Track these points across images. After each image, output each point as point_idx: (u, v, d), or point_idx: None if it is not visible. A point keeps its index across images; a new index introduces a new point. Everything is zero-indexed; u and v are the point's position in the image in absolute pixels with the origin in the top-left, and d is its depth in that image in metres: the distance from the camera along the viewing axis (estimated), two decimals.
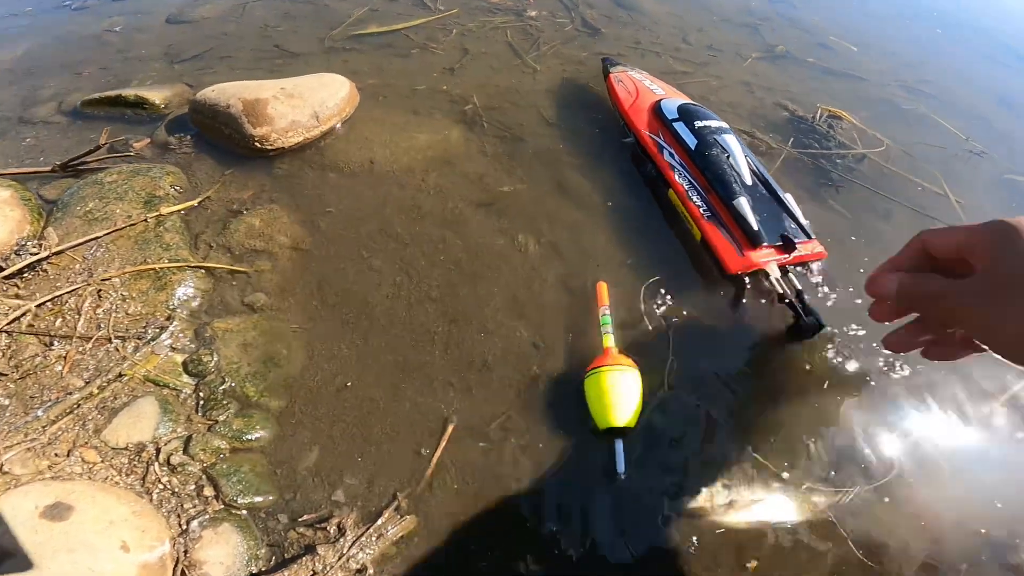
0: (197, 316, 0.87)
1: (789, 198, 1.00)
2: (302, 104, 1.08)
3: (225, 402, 0.78)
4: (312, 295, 0.90)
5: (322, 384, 0.79)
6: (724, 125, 1.09)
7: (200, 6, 1.76)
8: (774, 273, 0.90)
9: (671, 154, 1.06)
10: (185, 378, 0.80)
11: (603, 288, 0.88)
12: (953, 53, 2.00)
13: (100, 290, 0.90)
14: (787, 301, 0.88)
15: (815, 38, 1.87)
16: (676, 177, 1.03)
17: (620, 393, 0.71)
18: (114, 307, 0.87)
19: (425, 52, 1.46)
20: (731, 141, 1.04)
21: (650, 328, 0.86)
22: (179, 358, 0.82)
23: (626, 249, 0.98)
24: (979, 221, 0.42)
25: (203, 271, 0.94)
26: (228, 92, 1.09)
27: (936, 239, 0.49)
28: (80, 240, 0.97)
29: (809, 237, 0.94)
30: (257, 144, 1.06)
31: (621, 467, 0.69)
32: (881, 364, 0.84)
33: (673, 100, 1.17)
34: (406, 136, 1.15)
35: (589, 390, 0.74)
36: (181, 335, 0.84)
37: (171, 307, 0.88)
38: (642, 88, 1.24)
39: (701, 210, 0.97)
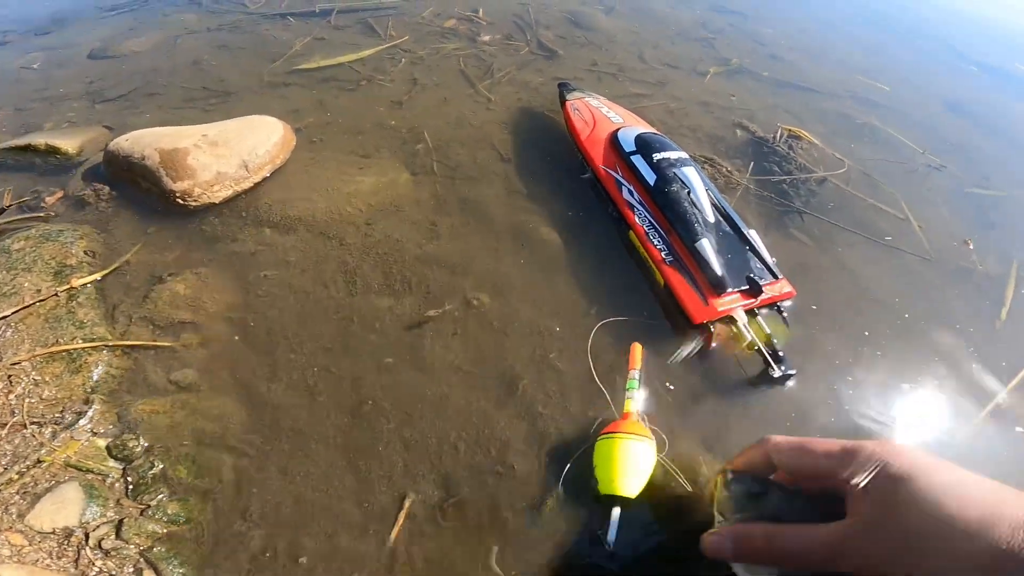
0: (119, 397, 0.78)
1: (754, 235, 0.94)
2: (228, 153, 0.98)
3: (157, 486, 0.70)
4: (248, 369, 0.81)
5: (262, 465, 0.71)
6: (684, 155, 1.03)
7: (127, 40, 1.64)
8: (741, 319, 0.84)
9: (630, 191, 1.00)
10: (111, 462, 0.72)
11: (636, 350, 0.80)
12: (901, 59, 2.02)
13: (11, 375, 0.80)
14: (756, 348, 0.83)
15: (767, 49, 1.87)
16: (636, 218, 0.96)
17: (631, 462, 0.66)
18: (27, 392, 0.79)
19: (372, 84, 1.37)
20: (691, 174, 0.97)
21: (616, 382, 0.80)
22: (102, 442, 0.74)
23: (590, 297, 0.92)
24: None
25: (122, 349, 0.84)
26: (143, 141, 0.98)
27: (787, 457, 0.47)
28: None
29: (776, 277, 0.89)
30: (179, 200, 0.95)
31: (612, 536, 0.63)
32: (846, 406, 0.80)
33: (631, 129, 1.10)
34: (349, 181, 1.05)
35: (599, 452, 0.69)
36: (102, 419, 0.76)
37: (88, 390, 0.79)
38: (599, 116, 1.18)
39: (663, 254, 0.91)
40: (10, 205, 0.99)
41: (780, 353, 0.82)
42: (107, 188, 1.03)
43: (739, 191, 1.18)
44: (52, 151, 1.10)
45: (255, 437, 0.74)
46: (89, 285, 0.92)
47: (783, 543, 0.45)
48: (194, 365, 0.81)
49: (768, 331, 0.85)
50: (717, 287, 0.85)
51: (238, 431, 0.75)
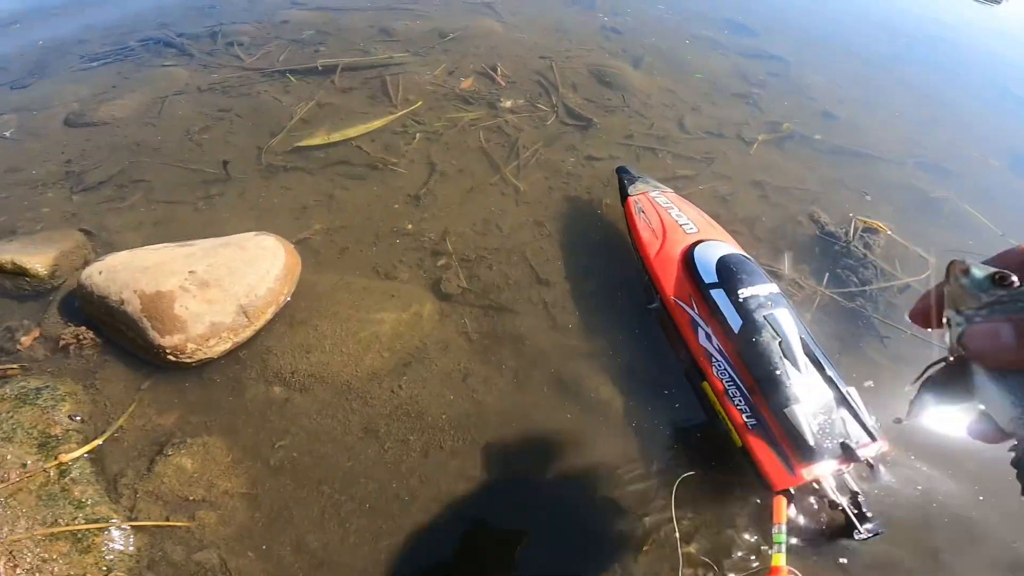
0: (138, 575, 0.71)
1: (853, 393, 0.79)
2: (222, 297, 0.82)
3: None
4: (271, 548, 0.70)
5: None
6: (775, 291, 0.87)
7: (107, 102, 1.47)
8: (828, 484, 0.75)
9: (707, 336, 0.85)
10: None
11: (780, 503, 0.71)
12: (960, 106, 1.87)
13: (12, 551, 0.72)
14: (840, 508, 0.74)
15: (816, 104, 1.71)
16: (714, 370, 0.82)
17: None
18: (35, 567, 0.71)
19: (384, 171, 1.21)
20: (784, 319, 0.83)
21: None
22: None
23: (647, 458, 0.77)
24: None
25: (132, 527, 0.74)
26: (120, 278, 0.82)
27: None
28: None
29: (873, 439, 0.76)
30: (171, 357, 0.80)
31: None
32: None
33: (710, 248, 0.93)
34: (368, 319, 0.90)
35: None
36: None
37: (104, 569, 0.72)
38: (669, 223, 1.01)
39: (744, 416, 0.78)
40: None
41: (868, 513, 0.73)
42: (88, 332, 0.87)
43: (814, 304, 1.03)
44: (19, 271, 0.94)
45: None
46: (80, 459, 0.78)
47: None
48: (216, 546, 0.72)
49: (855, 489, 0.74)
50: (807, 456, 0.73)
51: None
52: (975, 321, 0.35)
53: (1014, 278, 0.36)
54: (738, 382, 0.80)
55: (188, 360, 0.80)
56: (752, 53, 1.95)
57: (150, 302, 0.80)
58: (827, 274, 1.09)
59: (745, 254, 0.96)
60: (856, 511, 0.73)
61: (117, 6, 2.07)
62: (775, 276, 1.07)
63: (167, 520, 0.73)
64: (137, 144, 1.31)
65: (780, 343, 0.80)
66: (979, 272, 0.36)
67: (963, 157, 1.56)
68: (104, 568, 0.71)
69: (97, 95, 1.52)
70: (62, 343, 0.86)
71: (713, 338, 0.84)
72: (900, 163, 1.48)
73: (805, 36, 2.20)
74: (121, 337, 0.85)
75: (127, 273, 0.83)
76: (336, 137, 1.30)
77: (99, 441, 0.78)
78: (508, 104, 1.45)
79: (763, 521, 0.74)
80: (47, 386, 0.82)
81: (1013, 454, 0.33)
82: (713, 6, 2.31)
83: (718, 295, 0.86)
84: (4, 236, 1.07)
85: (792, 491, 0.74)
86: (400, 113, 1.40)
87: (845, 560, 0.73)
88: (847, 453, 0.75)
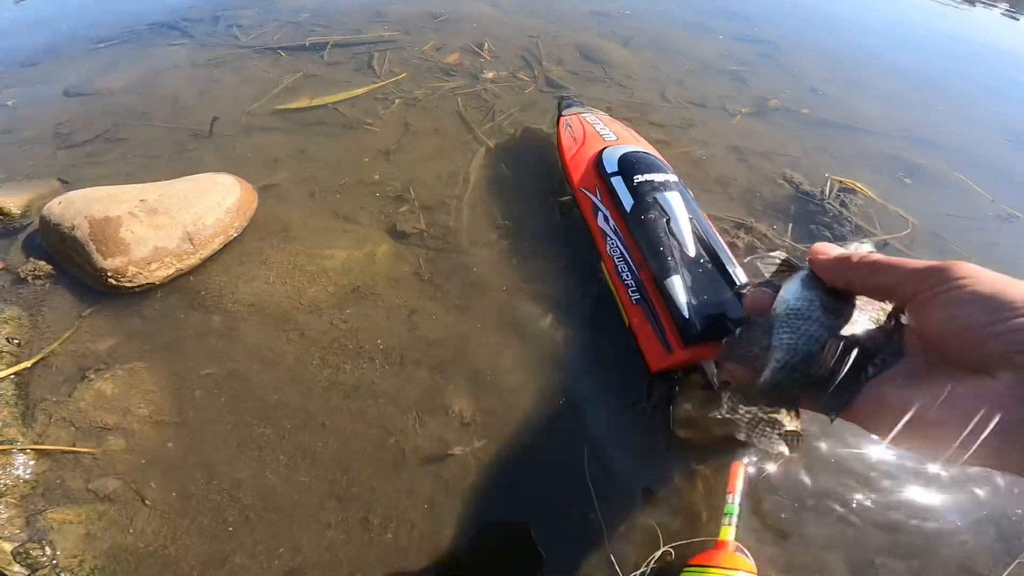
0: (31, 502, 0.69)
1: (741, 273, 0.77)
2: (168, 223, 0.82)
3: None
4: (180, 479, 0.68)
5: None
6: (671, 179, 0.90)
7: (105, 75, 1.52)
8: (710, 370, 0.71)
9: (606, 218, 0.88)
10: (16, 568, 0.66)
11: (737, 471, 0.66)
12: (952, 88, 1.83)
13: None
14: (724, 402, 0.66)
15: (804, 82, 1.68)
16: (607, 248, 0.85)
17: None
18: None
19: (359, 131, 1.22)
20: (675, 201, 0.84)
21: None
22: (8, 546, 0.67)
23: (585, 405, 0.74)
24: None
25: (37, 452, 0.72)
26: (75, 207, 0.83)
27: (856, 274, 0.41)
28: None
29: None
30: (112, 280, 0.80)
31: None
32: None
33: (619, 148, 0.97)
34: (319, 254, 0.89)
35: None
36: (8, 523, 0.68)
37: None
38: (591, 133, 1.05)
39: (630, 291, 0.79)
40: None
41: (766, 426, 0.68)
42: (44, 262, 0.88)
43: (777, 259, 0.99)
44: None
45: (182, 558, 0.62)
46: (6, 380, 0.78)
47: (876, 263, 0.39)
48: (117, 474, 0.70)
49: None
50: (684, 333, 0.71)
51: (160, 549, 0.63)
52: None
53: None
54: (627, 258, 0.82)
55: (129, 284, 0.81)
56: (744, 37, 1.94)
57: (98, 227, 0.81)
58: (793, 225, 1.06)
59: (655, 154, 0.99)
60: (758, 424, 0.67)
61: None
62: (746, 230, 1.04)
63: (73, 446, 0.72)
64: (126, 110, 1.35)
65: (667, 221, 0.81)
66: (865, 247, 0.45)
67: (956, 134, 1.52)
68: None
69: (98, 71, 1.58)
70: (18, 274, 0.88)
71: (610, 219, 0.87)
72: (888, 136, 1.44)
73: (800, 25, 2.19)
74: (71, 264, 0.86)
75: (83, 203, 0.84)
76: (318, 102, 1.33)
77: (27, 364, 0.78)
78: (490, 75, 1.46)
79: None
80: None
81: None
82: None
83: (616, 181, 0.90)
84: None
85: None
86: (383, 82, 1.42)
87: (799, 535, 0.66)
88: (727, 331, 0.67)
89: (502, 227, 0.99)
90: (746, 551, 0.60)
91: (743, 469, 0.67)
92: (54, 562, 0.66)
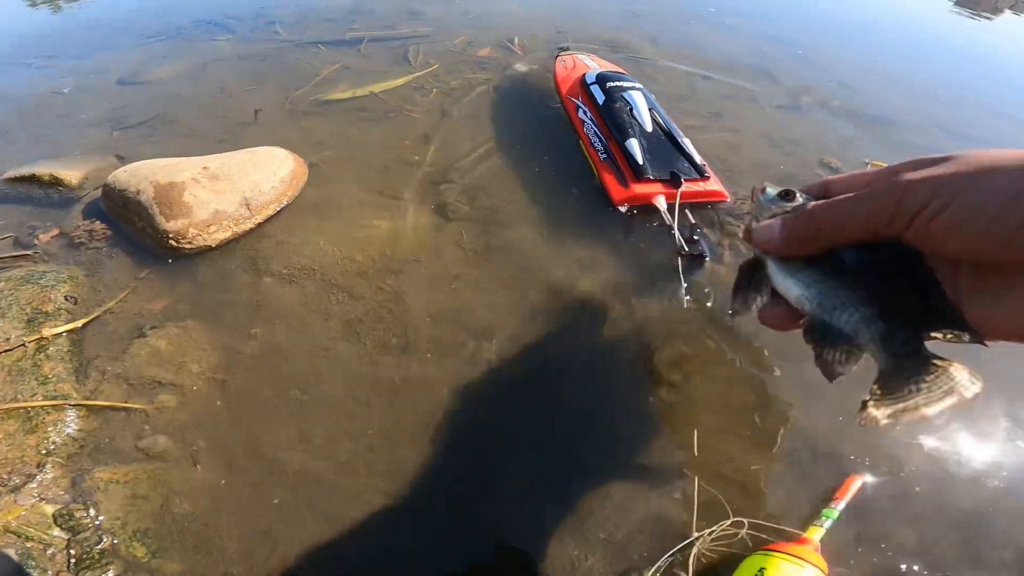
0: (77, 461, 0.71)
1: (688, 142, 1.05)
2: (228, 189, 0.87)
3: (105, 562, 0.63)
4: (227, 441, 0.69)
5: (233, 551, 0.59)
6: (636, 85, 1.17)
7: (157, 67, 1.60)
8: (661, 205, 0.94)
9: (584, 112, 1.15)
10: (56, 531, 0.66)
11: (852, 484, 0.66)
12: (983, 88, 1.81)
13: None
14: (673, 232, 0.90)
15: (833, 76, 1.69)
16: (584, 129, 1.12)
17: None
18: None
19: (400, 116, 1.26)
20: (637, 96, 1.12)
21: None
22: (49, 509, 0.68)
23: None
24: None
25: (88, 409, 0.74)
26: (140, 174, 0.88)
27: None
28: None
29: (703, 176, 1.01)
30: (172, 242, 0.85)
31: None
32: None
33: (599, 70, 1.25)
34: (364, 225, 0.93)
35: (747, 566, 0.57)
36: (53, 484, 0.69)
37: (43, 452, 0.71)
38: (580, 65, 1.33)
39: (600, 154, 1.05)
40: None
41: (697, 240, 0.91)
42: (103, 226, 0.93)
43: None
44: (55, 182, 1.03)
45: (230, 518, 0.62)
46: (64, 335, 0.82)
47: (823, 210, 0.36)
48: (167, 431, 0.72)
49: (693, 222, 0.93)
50: (637, 174, 0.98)
51: (204, 515, 0.64)
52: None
53: (796, 192, 0.42)
54: (598, 132, 1.08)
55: (188, 246, 0.85)
56: (774, 36, 1.96)
57: (163, 191, 0.85)
58: None
59: (625, 73, 1.28)
60: (687, 236, 0.91)
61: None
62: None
63: (125, 402, 0.73)
64: (175, 96, 1.42)
65: (630, 109, 1.08)
66: (771, 190, 0.43)
67: (990, 127, 1.51)
68: (44, 451, 0.71)
69: (149, 62, 1.66)
70: (75, 237, 0.93)
71: (588, 112, 1.14)
72: (922, 128, 1.44)
73: (822, 27, 2.20)
74: (132, 227, 0.91)
75: (148, 170, 0.89)
76: (359, 92, 1.38)
77: (84, 321, 0.82)
78: (522, 69, 1.50)
79: None
80: (52, 270, 0.87)
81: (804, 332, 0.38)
82: (745, 7, 2.34)
83: (594, 88, 1.16)
84: (49, 158, 1.16)
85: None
86: (418, 73, 1.47)
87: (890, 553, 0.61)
88: (675, 179, 0.97)
89: (540, 202, 1.02)
90: (821, 558, 0.58)
91: (859, 483, 0.65)
92: (96, 524, 0.66)
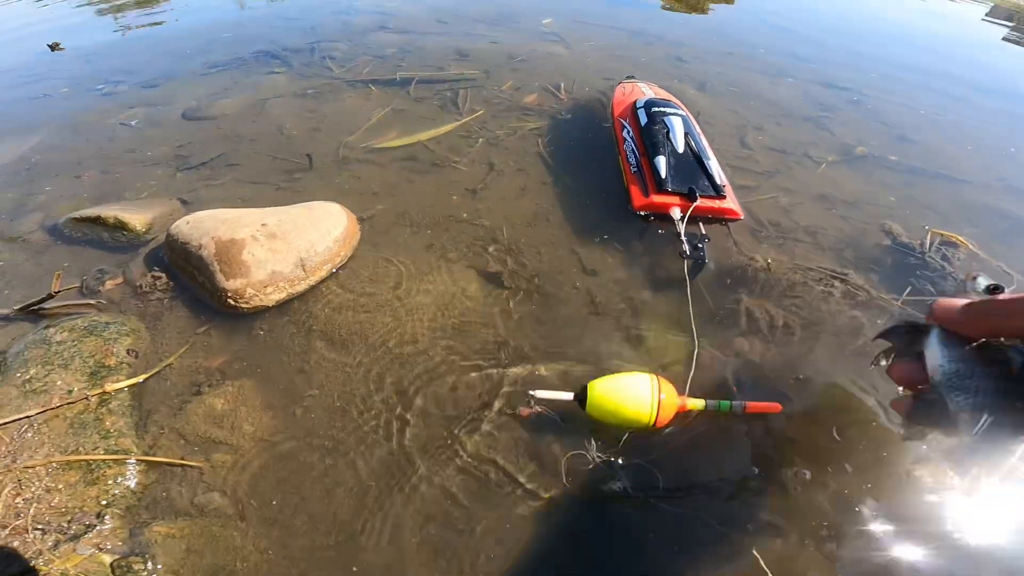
0: (135, 514, 0.73)
1: (713, 164, 1.14)
2: (285, 249, 0.89)
3: None
4: (278, 502, 0.71)
5: None
6: (679, 111, 1.24)
7: (220, 99, 1.68)
8: (675, 215, 1.04)
9: (628, 131, 1.25)
10: None
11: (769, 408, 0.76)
12: None
13: (22, 478, 0.76)
14: (682, 236, 1.01)
15: (892, 130, 1.63)
16: (623, 146, 1.23)
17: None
18: (36, 497, 0.75)
19: (445, 168, 1.29)
20: (676, 121, 1.19)
21: None
22: (107, 559, 0.70)
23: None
24: None
25: (147, 464, 0.77)
26: (202, 227, 0.92)
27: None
28: (9, 419, 0.81)
29: (719, 195, 1.09)
30: (231, 300, 0.88)
31: None
32: None
33: (651, 97, 1.36)
34: (414, 290, 0.95)
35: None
36: (112, 535, 0.71)
37: (103, 503, 0.74)
38: (637, 91, 1.42)
39: (632, 168, 1.16)
40: (58, 291, 0.95)
41: (700, 245, 1.02)
42: (165, 277, 0.97)
43: (886, 316, 0.96)
44: (120, 226, 1.08)
45: None
46: (124, 391, 0.86)
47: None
48: (222, 489, 0.74)
49: (704, 232, 1.05)
50: (659, 185, 1.08)
51: (262, 570, 0.65)
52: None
53: (1004, 288, 0.47)
54: (635, 149, 1.18)
55: (245, 305, 0.88)
56: (823, 82, 1.91)
57: (223, 247, 0.88)
58: (894, 279, 1.03)
59: (676, 102, 1.36)
60: (693, 244, 1.01)
61: (239, 25, 2.40)
62: (841, 281, 1.02)
63: (182, 459, 0.76)
64: (237, 136, 1.48)
65: (667, 131, 1.16)
66: (982, 281, 0.49)
67: None
68: (104, 503, 0.73)
69: (211, 95, 1.74)
70: (139, 287, 0.97)
71: (630, 132, 1.23)
72: (984, 185, 1.37)
73: (879, 70, 2.13)
74: (193, 282, 0.94)
75: (210, 223, 0.93)
76: (407, 140, 1.41)
77: (144, 377, 0.85)
78: (568, 117, 1.50)
79: None
80: (115, 321, 0.91)
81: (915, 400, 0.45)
82: (782, 43, 2.30)
83: (640, 111, 1.25)
84: (113, 200, 1.23)
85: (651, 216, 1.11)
86: (465, 120, 1.49)
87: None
88: (691, 194, 1.06)
89: (591, 270, 1.02)
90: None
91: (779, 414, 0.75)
92: None
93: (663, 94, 1.45)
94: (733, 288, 0.98)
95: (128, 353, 0.90)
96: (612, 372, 0.76)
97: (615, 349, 0.87)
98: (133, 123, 1.62)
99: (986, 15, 3.41)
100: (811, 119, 1.64)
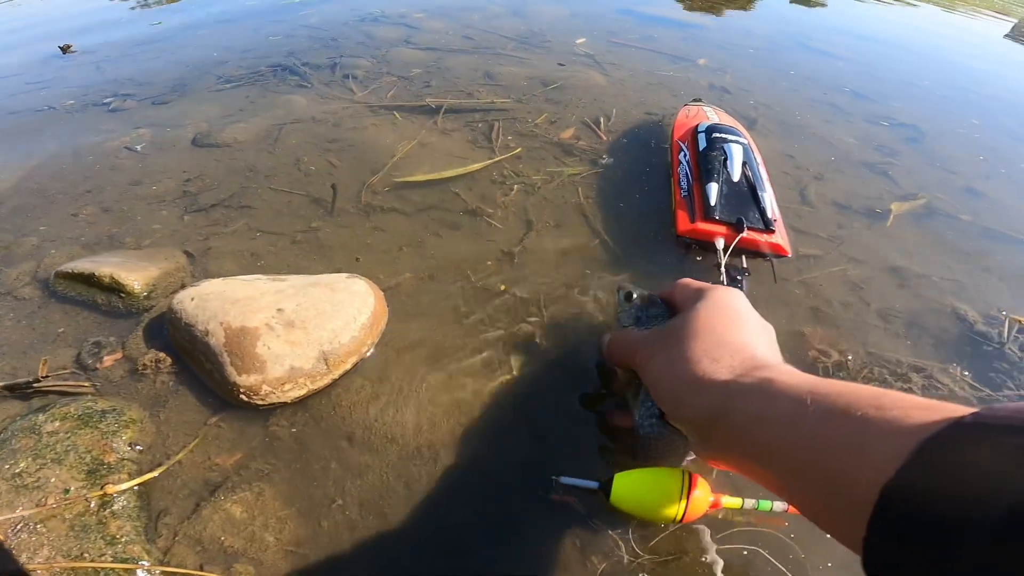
0: None
1: (767, 196, 1.10)
2: (305, 341, 0.77)
3: None
4: None
5: None
6: (740, 139, 1.21)
7: (232, 124, 1.56)
8: (718, 244, 1.02)
9: (684, 155, 1.22)
10: None
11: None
12: None
13: None
14: (722, 268, 0.99)
15: (959, 179, 1.50)
16: (678, 169, 1.20)
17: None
18: None
19: (479, 221, 1.16)
20: (735, 149, 1.15)
21: None
22: None
23: None
24: None
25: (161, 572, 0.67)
26: (209, 308, 0.80)
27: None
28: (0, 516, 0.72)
29: (769, 229, 1.06)
30: (244, 397, 0.76)
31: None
32: None
33: (714, 121, 1.31)
34: (449, 384, 0.83)
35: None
36: None
37: None
38: (701, 115, 1.37)
39: (682, 192, 1.14)
40: (45, 376, 0.85)
41: (740, 277, 1.00)
42: (169, 359, 0.86)
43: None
44: (116, 287, 0.97)
45: None
46: (127, 492, 0.75)
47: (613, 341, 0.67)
48: None
49: (745, 266, 1.03)
50: (706, 213, 1.06)
51: None
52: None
53: (634, 293, 0.71)
54: (688, 175, 1.17)
55: (260, 402, 0.77)
56: (880, 120, 1.77)
57: (234, 336, 0.77)
58: (970, 372, 0.91)
59: (739, 128, 1.33)
60: (732, 276, 1.00)
61: (256, 35, 2.28)
62: (923, 375, 0.90)
63: (200, 569, 0.67)
64: (251, 169, 1.37)
65: (724, 159, 1.13)
66: (622, 292, 0.71)
67: None
68: None
69: (224, 117, 1.62)
70: (141, 367, 0.86)
71: (687, 155, 1.21)
72: None
73: (940, 106, 1.98)
74: (199, 368, 0.83)
75: (217, 303, 0.81)
76: (435, 176, 1.29)
77: (152, 475, 0.75)
78: (609, 161, 1.37)
79: None
80: (114, 409, 0.80)
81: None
82: (831, 72, 2.15)
83: (701, 135, 1.22)
84: (112, 247, 1.12)
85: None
86: (498, 158, 1.37)
87: None
88: (739, 225, 1.04)
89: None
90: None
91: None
92: None
93: (728, 120, 1.38)
94: None
95: (131, 447, 0.79)
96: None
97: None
98: (139, 148, 1.51)
99: (1007, 35, 3.23)
100: (871, 165, 1.50)
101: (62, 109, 1.78)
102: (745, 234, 1.02)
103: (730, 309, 0.52)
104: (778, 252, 1.08)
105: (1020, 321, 1.05)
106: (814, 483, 0.36)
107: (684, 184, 1.15)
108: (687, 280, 0.64)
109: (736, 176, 1.11)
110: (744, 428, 0.42)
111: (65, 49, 2.27)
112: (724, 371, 0.45)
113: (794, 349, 0.93)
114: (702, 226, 1.05)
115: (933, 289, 1.10)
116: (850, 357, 0.91)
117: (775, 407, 0.39)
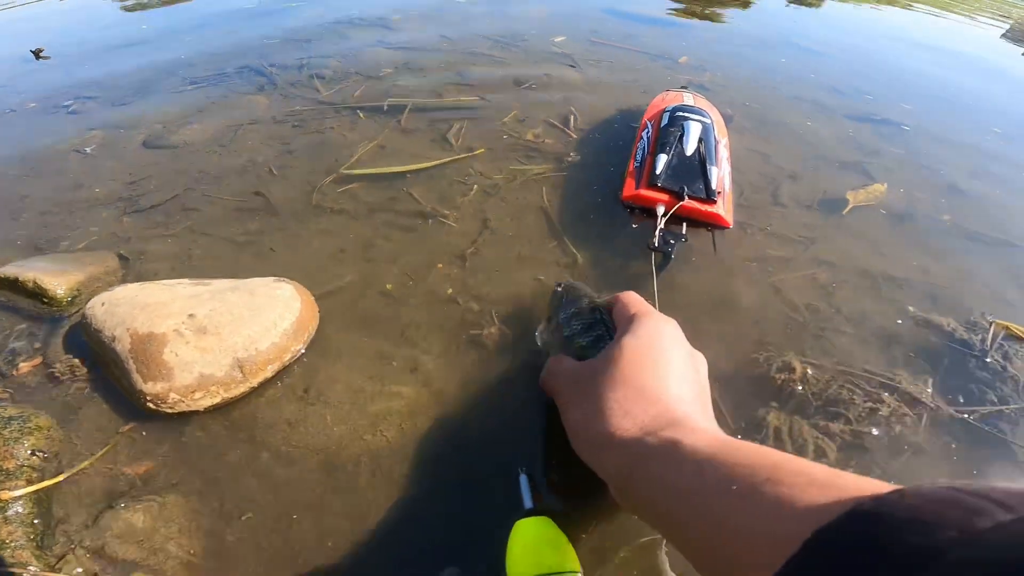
0: None
1: (714, 171, 1.11)
2: (217, 347, 0.71)
3: None
4: None
5: None
6: (704, 118, 1.22)
7: (188, 126, 1.51)
8: (659, 211, 1.04)
9: (647, 132, 1.25)
10: None
11: None
12: None
13: None
14: (656, 232, 1.01)
15: (943, 178, 1.44)
16: (638, 144, 1.23)
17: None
18: None
19: (434, 223, 1.10)
20: (693, 126, 1.18)
21: None
22: None
23: None
24: None
25: None
26: (118, 314, 0.74)
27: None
28: None
29: (710, 200, 1.07)
30: (151, 405, 0.71)
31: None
32: None
33: (684, 103, 1.33)
34: (382, 393, 0.77)
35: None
36: None
37: None
38: (676, 99, 1.38)
39: (635, 164, 1.17)
40: None
41: (673, 241, 1.01)
42: (83, 366, 0.80)
43: (927, 422, 0.79)
44: (39, 292, 0.91)
45: None
46: (25, 498, 0.70)
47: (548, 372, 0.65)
48: None
49: (683, 234, 1.05)
50: (650, 180, 1.09)
51: None
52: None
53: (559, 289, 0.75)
54: (645, 148, 1.19)
55: (168, 410, 0.71)
56: (862, 117, 1.72)
57: (140, 343, 0.71)
58: (942, 381, 0.85)
59: (706, 109, 1.33)
60: (667, 241, 1.01)
61: (231, 38, 2.22)
62: (889, 390, 0.84)
63: None
64: (200, 171, 1.31)
65: (681, 134, 1.15)
66: (560, 290, 0.75)
67: None
68: None
69: (181, 118, 1.57)
70: (58, 374, 0.80)
71: (649, 132, 1.24)
72: None
73: (925, 104, 1.93)
74: (111, 375, 0.77)
75: (126, 308, 0.75)
76: (389, 170, 1.24)
77: (52, 481, 0.69)
78: (576, 158, 1.32)
79: None
80: (20, 416, 0.75)
81: None
82: (815, 69, 2.11)
83: (666, 114, 1.24)
84: (41, 251, 1.06)
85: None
86: (457, 157, 1.31)
87: None
88: (679, 193, 1.06)
89: None
90: None
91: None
92: None
93: (705, 105, 1.39)
94: (758, 401, 0.81)
95: (33, 454, 0.73)
96: None
97: None
98: (88, 150, 1.45)
99: (1003, 35, 3.20)
100: (850, 165, 1.45)
101: (24, 112, 1.72)
102: (686, 202, 1.05)
103: (655, 348, 0.50)
104: (718, 222, 1.09)
105: (1008, 327, 0.99)
106: (711, 564, 0.35)
107: (639, 156, 1.18)
108: (628, 298, 0.60)
109: (689, 151, 1.13)
110: (649, 494, 0.41)
111: (37, 53, 2.21)
112: (635, 428, 0.44)
113: (752, 362, 0.86)
114: (644, 192, 1.08)
115: (907, 294, 1.04)
116: (810, 371, 0.85)
117: (677, 474, 0.38)
